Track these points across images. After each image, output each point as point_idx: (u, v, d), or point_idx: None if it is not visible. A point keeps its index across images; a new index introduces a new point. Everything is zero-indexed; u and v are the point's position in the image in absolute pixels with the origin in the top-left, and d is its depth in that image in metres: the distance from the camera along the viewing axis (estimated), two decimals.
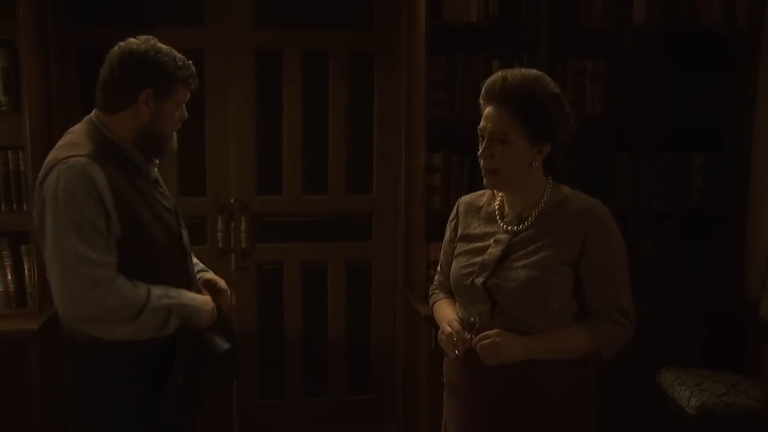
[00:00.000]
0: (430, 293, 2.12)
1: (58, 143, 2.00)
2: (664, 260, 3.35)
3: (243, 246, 3.62)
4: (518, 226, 1.85)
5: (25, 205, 2.96)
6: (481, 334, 1.77)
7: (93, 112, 2.00)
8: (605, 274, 1.82)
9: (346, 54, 3.56)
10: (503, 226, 1.88)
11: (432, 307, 2.08)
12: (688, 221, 3.41)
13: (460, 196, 3.08)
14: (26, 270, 3.02)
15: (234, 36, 3.48)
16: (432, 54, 3.10)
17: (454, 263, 1.94)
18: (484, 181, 1.85)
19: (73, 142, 1.94)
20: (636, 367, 3.24)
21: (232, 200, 3.56)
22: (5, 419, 2.93)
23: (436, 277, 2.12)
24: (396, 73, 3.54)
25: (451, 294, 2.00)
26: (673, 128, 3.37)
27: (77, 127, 2.01)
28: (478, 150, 1.85)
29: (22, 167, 2.96)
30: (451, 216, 2.05)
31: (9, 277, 3.03)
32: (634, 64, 3.24)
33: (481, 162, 1.82)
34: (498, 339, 1.74)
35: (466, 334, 1.79)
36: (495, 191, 1.95)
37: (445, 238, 2.06)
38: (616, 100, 3.24)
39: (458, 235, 1.98)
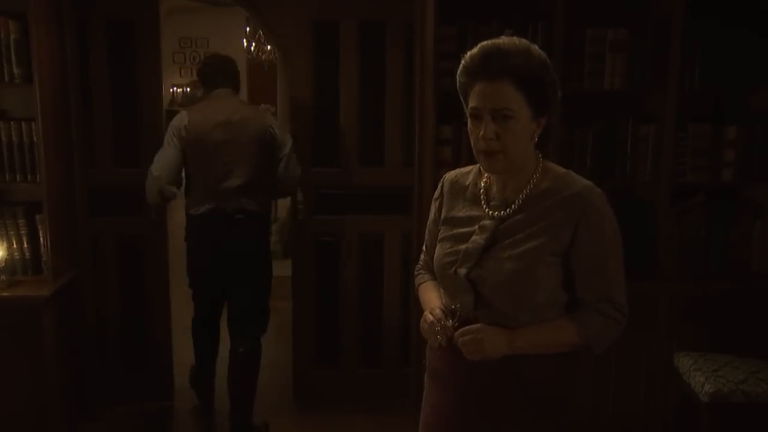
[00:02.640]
0: (416, 273, 2.02)
1: None
2: (690, 239, 3.19)
3: (299, 218, 3.64)
4: (505, 211, 1.71)
5: (38, 176, 3.03)
6: (462, 329, 1.68)
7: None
8: (597, 265, 1.69)
9: (403, 26, 3.51)
10: (488, 211, 1.74)
11: (417, 288, 1.98)
12: (717, 198, 3.23)
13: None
14: (41, 238, 3.11)
15: (290, 7, 3.51)
16: (442, 23, 3.00)
17: (437, 248, 1.82)
18: (485, 165, 1.68)
19: None
20: (656, 350, 3.13)
21: None
22: (19, 381, 3.04)
23: (422, 256, 2.01)
24: None
25: (435, 275, 1.90)
26: (701, 99, 3.18)
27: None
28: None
29: (35, 138, 3.02)
30: (436, 194, 1.90)
31: (25, 245, 3.13)
32: (659, 32, 3.06)
33: (481, 144, 1.63)
34: (480, 335, 1.65)
35: (448, 322, 1.71)
36: (481, 169, 1.79)
37: (429, 217, 1.93)
38: (638, 70, 3.08)
39: (442, 216, 1.85)
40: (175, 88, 16.35)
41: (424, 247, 2.00)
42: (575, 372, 1.79)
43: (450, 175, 1.89)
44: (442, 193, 1.87)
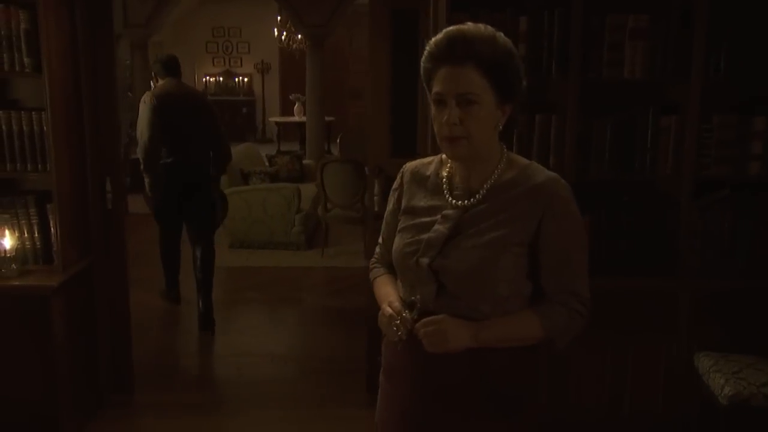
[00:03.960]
0: (371, 267, 1.97)
1: None
2: (713, 234, 3.06)
3: (376, 209, 3.62)
4: (468, 200, 1.68)
5: (48, 165, 3.04)
6: (425, 320, 1.63)
7: None
8: (562, 257, 1.67)
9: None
10: (451, 200, 1.71)
11: (372, 282, 1.93)
12: (744, 193, 3.09)
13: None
14: (52, 228, 3.11)
15: None
16: (453, 10, 2.92)
17: (396, 239, 1.78)
18: (448, 152, 1.67)
19: None
20: (675, 350, 3.02)
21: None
22: (30, 369, 3.06)
23: (377, 249, 1.96)
24: None
25: (391, 268, 1.85)
26: (727, 88, 3.04)
27: None
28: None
29: (45, 128, 3.02)
30: (395, 184, 1.87)
31: (36, 235, 3.14)
32: (682, 18, 2.92)
33: (445, 130, 1.61)
34: (443, 326, 1.61)
35: (407, 314, 1.66)
36: (443, 159, 1.77)
37: (387, 208, 1.89)
38: (660, 58, 2.95)
39: (402, 206, 1.81)
40: (207, 78, 16.48)
41: (380, 240, 1.95)
42: (537, 365, 1.77)
43: (410, 165, 1.86)
44: (401, 183, 1.84)
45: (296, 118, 13.11)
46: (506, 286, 1.65)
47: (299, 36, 12.81)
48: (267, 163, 8.19)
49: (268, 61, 16.21)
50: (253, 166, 7.55)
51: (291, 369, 4.18)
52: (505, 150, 1.73)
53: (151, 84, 5.68)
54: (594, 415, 3.06)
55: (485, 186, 1.68)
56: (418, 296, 1.68)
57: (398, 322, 1.65)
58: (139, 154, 4.73)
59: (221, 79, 16.54)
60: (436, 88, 1.62)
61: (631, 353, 3.04)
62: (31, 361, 3.05)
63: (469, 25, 1.64)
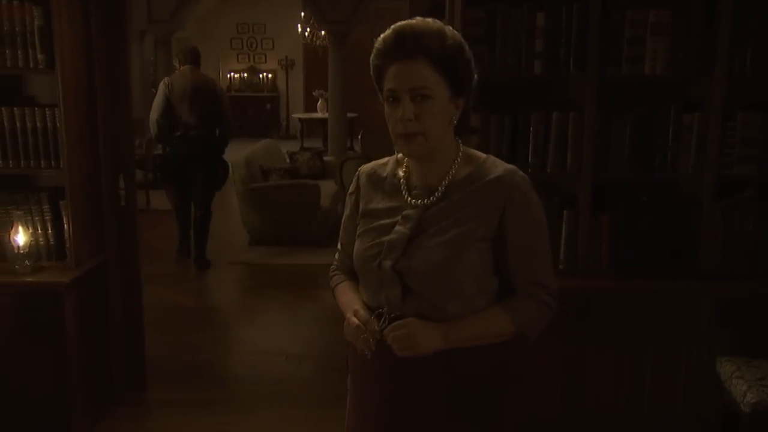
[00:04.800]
0: (331, 274, 1.93)
1: None
2: (736, 236, 2.97)
3: None
4: (428, 198, 1.66)
5: (61, 162, 3.04)
6: (393, 324, 1.60)
7: None
8: (526, 249, 1.66)
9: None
10: (410, 200, 1.68)
11: (333, 290, 1.89)
12: None
13: (498, 160, 2.94)
14: (65, 224, 3.11)
15: None
16: (469, 5, 2.86)
17: (357, 243, 1.74)
18: (404, 150, 1.64)
19: None
20: (696, 354, 2.94)
21: None
22: (43, 366, 3.07)
23: (337, 256, 1.92)
24: None
25: (352, 275, 1.82)
26: (752, 86, 2.94)
27: None
28: (399, 116, 1.60)
29: (58, 124, 3.02)
30: (351, 188, 1.83)
31: (49, 231, 3.15)
32: (705, 12, 2.83)
33: (400, 127, 1.58)
34: (412, 329, 1.57)
35: (375, 325, 1.62)
36: (399, 159, 1.75)
37: (345, 212, 1.86)
38: (682, 54, 2.86)
39: (360, 210, 1.77)
40: (232, 74, 16.54)
41: (338, 246, 1.90)
42: (508, 362, 1.73)
43: (365, 167, 1.83)
44: (358, 187, 1.81)
45: (319, 115, 13.10)
46: (472, 284, 1.63)
47: (323, 32, 12.79)
48: (288, 160, 8.18)
49: (292, 57, 16.23)
50: (273, 162, 7.54)
51: (306, 367, 4.16)
52: (461, 145, 1.71)
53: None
54: (611, 419, 2.98)
55: (443, 183, 1.65)
56: (385, 308, 1.65)
57: (366, 335, 1.62)
58: (150, 126, 5.97)
59: (245, 75, 16.59)
60: (388, 86, 1.60)
61: (650, 356, 2.96)
62: (43, 357, 3.05)
63: (417, 20, 1.61)
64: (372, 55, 1.63)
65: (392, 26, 1.61)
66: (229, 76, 16.52)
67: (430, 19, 1.61)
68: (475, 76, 1.66)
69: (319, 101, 13.10)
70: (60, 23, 2.94)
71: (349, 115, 11.80)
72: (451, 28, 1.63)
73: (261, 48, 16.49)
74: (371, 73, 1.65)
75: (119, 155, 3.42)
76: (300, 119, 14.53)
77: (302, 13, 13.63)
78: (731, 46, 2.81)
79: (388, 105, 1.61)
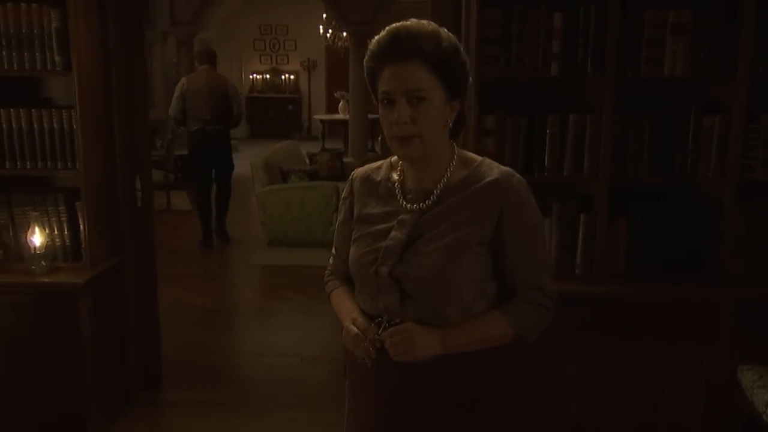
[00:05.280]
0: (325, 280, 1.91)
1: None
2: (759, 240, 2.90)
3: None
4: (423, 203, 1.64)
5: (78, 163, 3.05)
6: (391, 330, 1.58)
7: None
8: (524, 252, 1.64)
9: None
10: (406, 204, 1.66)
11: (329, 296, 1.87)
12: None
13: (516, 162, 2.90)
14: (81, 225, 3.13)
15: None
16: (485, 6, 2.82)
17: (352, 249, 1.72)
18: (400, 152, 1.62)
19: None
20: (716, 362, 2.87)
21: None
22: (59, 367, 3.08)
23: (331, 261, 1.89)
24: None
25: (348, 280, 1.80)
26: None
27: None
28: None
29: (74, 126, 3.04)
30: (345, 193, 1.81)
31: (66, 232, 3.16)
32: (727, 12, 2.77)
33: (396, 130, 1.56)
34: (411, 335, 1.56)
35: (374, 334, 1.60)
36: (393, 163, 1.74)
37: (339, 218, 1.83)
38: (703, 55, 2.80)
39: (355, 215, 1.75)
40: (254, 75, 16.62)
41: (333, 251, 1.88)
42: (506, 366, 1.74)
43: (359, 171, 1.81)
44: (352, 192, 1.78)
45: (341, 116, 13.11)
46: (471, 288, 1.61)
47: (344, 33, 12.79)
48: (307, 161, 8.18)
49: (314, 58, 16.27)
50: (292, 164, 7.55)
51: (322, 370, 4.14)
52: (456, 148, 1.69)
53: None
54: (628, 428, 2.93)
55: (439, 186, 1.63)
56: (385, 317, 1.63)
57: (366, 344, 1.60)
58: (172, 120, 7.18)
59: (268, 76, 16.67)
60: (383, 88, 1.58)
61: (669, 364, 2.90)
62: (59, 357, 3.07)
63: (412, 21, 1.58)
64: (366, 57, 1.61)
65: (386, 28, 1.59)
66: (251, 77, 16.62)
67: (424, 21, 1.59)
68: (470, 78, 1.65)
69: (341, 102, 13.11)
70: (77, 25, 2.95)
71: (370, 116, 11.77)
72: (446, 30, 1.60)
73: (283, 49, 16.55)
74: (365, 75, 1.64)
75: (135, 156, 3.43)
76: (321, 120, 14.56)
77: (324, 15, 13.65)
78: (754, 46, 2.75)
79: (383, 107, 1.59)
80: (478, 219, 1.60)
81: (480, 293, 1.64)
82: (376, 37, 1.59)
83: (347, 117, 12.03)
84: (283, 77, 16.61)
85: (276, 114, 16.37)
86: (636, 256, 2.92)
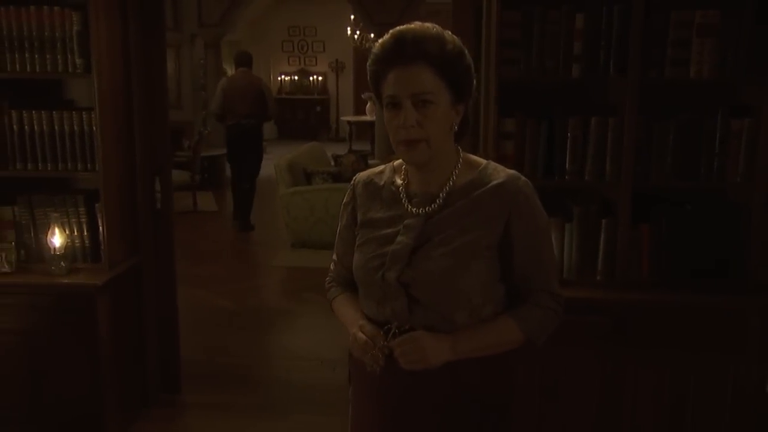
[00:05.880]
0: (327, 287, 1.88)
1: None
2: None
3: None
4: (429, 207, 1.62)
5: (97, 165, 3.07)
6: (400, 338, 1.55)
7: None
8: (532, 255, 1.64)
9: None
10: (411, 208, 1.63)
11: (331, 303, 1.84)
12: None
13: (536, 166, 2.85)
14: (100, 227, 3.14)
15: None
16: (505, 7, 2.77)
17: (357, 254, 1.69)
18: (406, 156, 1.61)
19: None
20: (744, 374, 2.78)
21: None
22: (77, 368, 3.10)
23: (332, 267, 1.87)
24: None
25: (349, 287, 1.77)
26: None
27: None
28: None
29: (94, 128, 3.05)
30: (346, 198, 1.79)
31: (85, 233, 3.18)
32: (758, 12, 2.68)
33: (402, 134, 1.55)
34: (421, 342, 1.53)
35: (383, 342, 1.57)
36: (396, 167, 1.72)
37: (341, 223, 1.81)
38: (731, 56, 2.72)
39: (358, 221, 1.73)
40: (282, 76, 16.70)
41: (334, 257, 1.85)
42: (515, 371, 1.74)
43: (361, 176, 1.79)
44: (354, 197, 1.76)
45: (368, 118, 13.10)
46: (479, 292, 1.60)
47: (372, 35, 12.78)
48: (332, 163, 8.19)
49: (342, 60, 16.29)
50: (317, 165, 7.55)
51: (341, 374, 4.07)
52: (461, 151, 1.68)
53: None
54: None
55: (444, 190, 1.62)
56: (394, 323, 1.60)
57: (375, 351, 1.57)
58: (211, 115, 8.16)
59: (296, 77, 16.73)
60: (388, 92, 1.56)
61: (694, 374, 2.81)
62: (77, 358, 3.08)
63: (416, 24, 1.58)
64: (369, 61, 1.60)
65: (390, 31, 1.58)
66: (279, 78, 16.69)
67: (428, 24, 1.58)
68: (475, 82, 1.63)
69: (368, 104, 13.11)
70: (97, 28, 2.96)
71: None
72: (449, 32, 1.60)
73: (312, 51, 16.61)
74: (368, 78, 1.63)
75: (155, 158, 3.44)
76: (349, 122, 14.58)
77: (352, 16, 13.66)
78: None
79: (388, 111, 1.58)
80: (485, 222, 1.59)
81: (488, 297, 1.63)
82: (380, 41, 1.58)
83: (374, 118, 12.02)
84: (311, 78, 16.66)
85: (304, 115, 16.43)
86: (660, 263, 2.84)
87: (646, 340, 2.79)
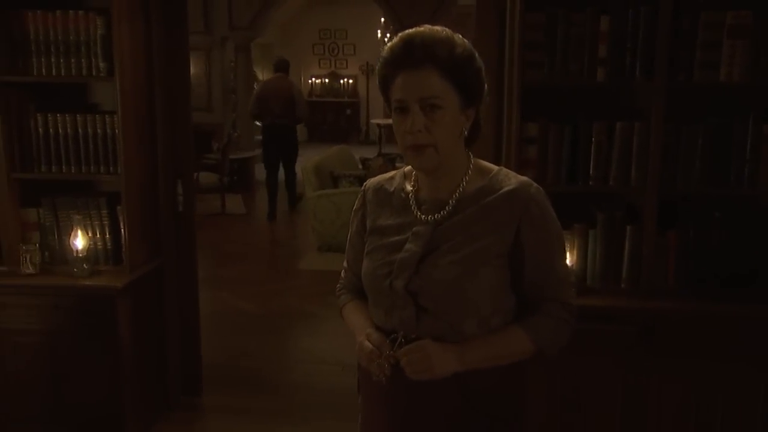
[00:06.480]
0: (337, 293, 1.86)
1: None
2: None
3: None
4: (439, 214, 1.58)
5: (119, 167, 3.08)
6: (406, 348, 1.52)
7: None
8: (543, 264, 1.59)
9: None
10: (420, 216, 1.60)
11: (341, 310, 1.82)
12: None
13: (559, 172, 2.79)
14: (121, 229, 3.16)
15: None
16: (529, 9, 2.72)
17: (366, 262, 1.66)
18: (414, 162, 1.58)
19: None
20: None
21: None
22: (98, 370, 3.12)
23: (343, 274, 1.84)
24: None
25: (360, 294, 1.74)
26: None
27: None
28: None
29: (117, 131, 3.07)
30: (357, 204, 1.76)
31: (107, 236, 3.20)
32: None
33: (409, 139, 1.52)
34: (427, 352, 1.50)
35: (389, 350, 1.54)
36: (406, 173, 1.69)
37: (351, 229, 1.79)
38: (764, 59, 2.63)
39: (368, 227, 1.70)
40: (313, 79, 16.75)
41: (344, 264, 1.83)
42: (525, 382, 1.69)
43: (371, 182, 1.76)
44: (364, 203, 1.74)
45: None
46: (489, 302, 1.56)
47: None
48: (360, 166, 8.18)
49: (372, 62, 16.25)
50: (344, 169, 7.54)
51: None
52: (472, 157, 1.65)
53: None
54: None
55: (454, 197, 1.59)
56: (401, 332, 1.57)
57: (381, 360, 1.54)
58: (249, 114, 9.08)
59: (326, 80, 16.78)
60: (396, 96, 1.54)
61: (722, 387, 2.73)
62: (98, 360, 3.10)
63: (425, 27, 1.55)
64: (378, 64, 1.58)
65: (399, 34, 1.57)
66: (310, 81, 16.75)
67: (438, 27, 1.56)
68: (486, 86, 1.59)
69: None
70: (120, 32, 2.98)
71: None
72: (460, 36, 1.56)
73: (342, 54, 16.64)
74: (377, 82, 1.60)
75: (178, 161, 3.45)
76: (379, 125, 14.56)
77: (382, 19, 13.65)
78: None
79: (396, 116, 1.55)
80: (495, 230, 1.55)
81: (498, 307, 1.58)
82: (389, 44, 1.56)
83: None
84: (341, 81, 16.69)
85: (334, 118, 16.46)
86: (687, 271, 2.76)
87: (671, 349, 2.71)
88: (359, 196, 1.77)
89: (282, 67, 8.43)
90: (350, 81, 16.67)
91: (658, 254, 2.74)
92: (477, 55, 1.56)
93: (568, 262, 2.71)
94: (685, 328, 2.71)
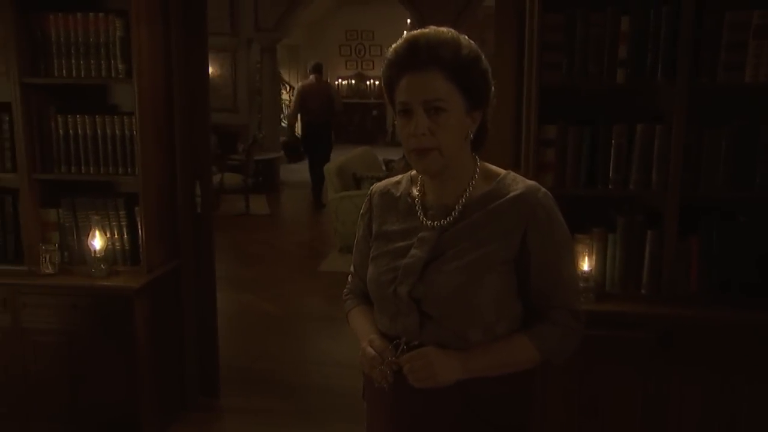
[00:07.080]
0: (344, 298, 1.83)
1: None
2: None
3: None
4: (444, 219, 1.55)
5: (137, 168, 3.10)
6: (409, 354, 1.49)
7: None
8: (550, 271, 1.55)
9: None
10: (426, 221, 1.57)
11: (347, 315, 1.79)
12: None
13: (578, 175, 2.74)
14: (139, 230, 3.17)
15: None
16: (548, 9, 2.68)
17: (371, 267, 1.64)
18: (418, 166, 1.54)
19: None
20: None
21: None
22: (114, 371, 3.13)
23: (350, 279, 1.82)
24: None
25: (366, 299, 1.72)
26: None
27: None
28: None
29: (135, 132, 3.09)
30: (363, 209, 1.74)
31: (126, 236, 3.22)
32: None
33: (413, 142, 1.49)
34: (430, 359, 1.47)
35: (391, 357, 1.51)
36: (413, 177, 1.66)
37: (357, 234, 1.76)
38: None
39: (373, 232, 1.67)
40: (339, 80, 16.77)
41: (351, 269, 1.80)
42: (531, 390, 1.66)
43: (378, 186, 1.73)
44: (370, 207, 1.71)
45: None
46: (494, 309, 1.52)
47: None
48: (384, 168, 8.16)
49: None
50: (368, 170, 7.53)
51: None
52: (479, 161, 1.61)
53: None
54: None
55: (460, 202, 1.56)
56: (403, 338, 1.54)
57: (383, 367, 1.51)
58: (288, 117, 10.83)
59: (353, 82, 16.79)
60: (400, 98, 1.51)
61: (745, 396, 2.66)
62: (116, 360, 3.12)
63: (430, 29, 1.53)
64: (383, 66, 1.55)
65: (404, 36, 1.53)
66: (337, 82, 16.77)
67: (444, 29, 1.52)
68: (493, 88, 1.55)
69: None
70: (138, 34, 3.00)
71: None
72: (466, 37, 1.53)
73: (369, 55, 16.64)
74: (382, 84, 1.57)
75: (196, 162, 3.46)
76: None
77: (409, 20, 13.61)
78: None
79: (401, 118, 1.52)
80: (502, 236, 1.52)
81: (503, 314, 1.55)
82: (394, 46, 1.53)
83: None
84: (367, 83, 16.69)
85: (360, 119, 16.47)
86: (709, 277, 2.70)
87: (692, 357, 2.65)
88: (366, 200, 1.74)
89: (318, 69, 9.55)
90: (376, 82, 16.64)
91: (679, 260, 2.68)
92: (483, 56, 1.53)
93: (586, 267, 2.70)
94: (707, 336, 2.65)
